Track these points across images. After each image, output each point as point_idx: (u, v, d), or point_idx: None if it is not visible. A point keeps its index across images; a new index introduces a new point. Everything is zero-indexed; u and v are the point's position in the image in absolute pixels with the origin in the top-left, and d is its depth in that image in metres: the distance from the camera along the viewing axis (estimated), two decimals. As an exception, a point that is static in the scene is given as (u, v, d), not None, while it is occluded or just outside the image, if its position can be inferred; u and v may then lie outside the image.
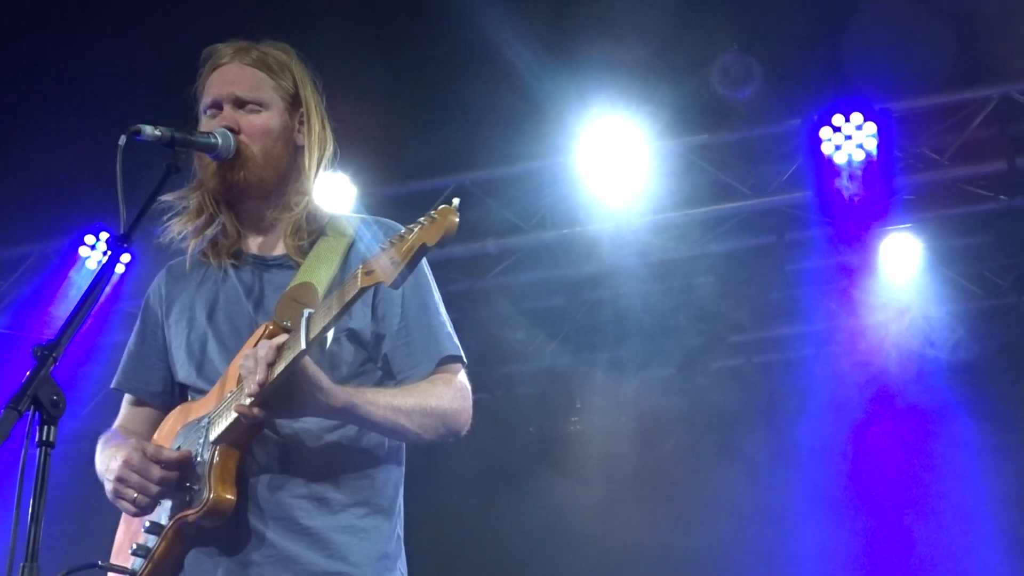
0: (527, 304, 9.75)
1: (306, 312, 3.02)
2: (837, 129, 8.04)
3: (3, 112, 7.94)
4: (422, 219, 2.87)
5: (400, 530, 3.42)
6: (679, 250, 9.05)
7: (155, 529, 3.23)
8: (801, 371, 9.82)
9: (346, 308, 2.98)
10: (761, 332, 10.13)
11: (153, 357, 3.57)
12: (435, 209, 2.87)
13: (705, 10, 7.82)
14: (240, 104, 3.44)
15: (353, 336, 3.35)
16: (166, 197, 3.41)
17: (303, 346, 2.97)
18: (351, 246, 3.44)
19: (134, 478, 3.17)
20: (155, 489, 3.18)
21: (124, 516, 3.45)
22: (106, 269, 3.03)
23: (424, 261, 3.41)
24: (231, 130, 3.38)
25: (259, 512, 3.23)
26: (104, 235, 9.02)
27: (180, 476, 3.21)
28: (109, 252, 3.08)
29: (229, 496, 3.16)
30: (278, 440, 3.26)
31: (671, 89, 8.10)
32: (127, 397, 3.64)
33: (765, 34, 7.97)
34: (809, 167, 8.25)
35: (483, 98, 7.76)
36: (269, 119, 3.45)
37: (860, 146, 8.04)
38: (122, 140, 3.12)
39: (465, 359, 3.48)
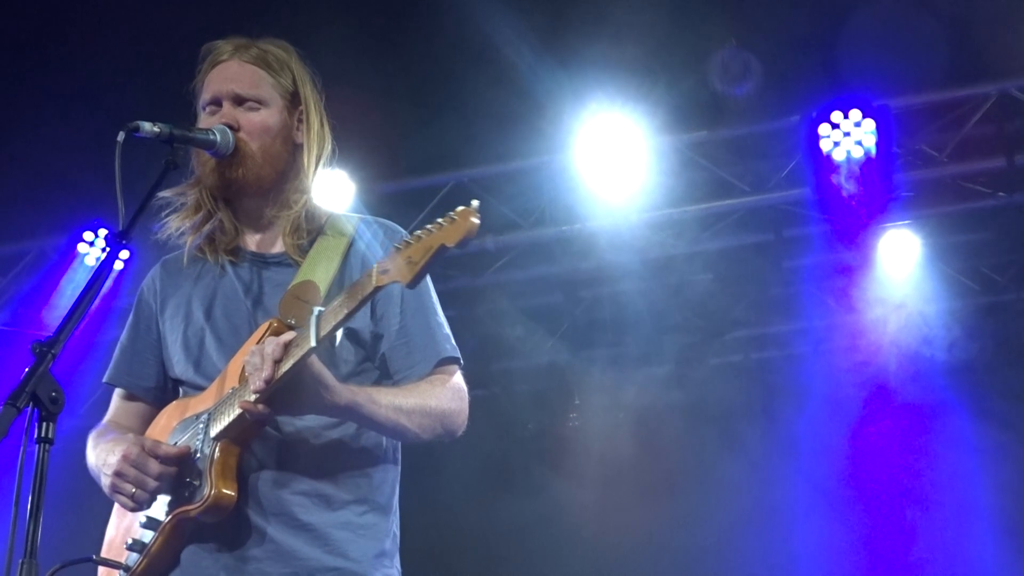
0: (525, 301, 9.75)
1: (316, 310, 3.03)
2: (836, 126, 8.04)
3: (2, 108, 7.94)
4: (440, 219, 2.89)
5: (396, 528, 3.44)
6: (677, 247, 9.05)
7: (152, 524, 3.23)
8: (799, 368, 9.82)
9: (359, 307, 2.99)
10: (759, 329, 10.14)
11: (146, 352, 3.56)
12: (454, 210, 2.88)
13: (703, 6, 7.83)
14: (239, 101, 3.44)
15: (352, 335, 3.36)
16: (164, 193, 3.41)
17: (313, 344, 2.98)
18: (351, 245, 3.46)
19: (132, 473, 3.17)
20: (153, 484, 3.18)
21: (115, 510, 3.45)
22: (105, 266, 3.04)
23: None
24: (230, 127, 3.38)
25: (258, 508, 3.23)
26: (103, 232, 9.01)
27: (178, 471, 3.21)
28: (108, 249, 3.08)
29: (230, 492, 3.16)
30: (277, 437, 3.27)
31: (669, 86, 8.10)
32: (118, 391, 3.63)
33: (763, 30, 7.96)
34: (807, 164, 8.25)
35: (481, 95, 7.76)
36: (268, 117, 3.45)
37: (859, 143, 8.04)
38: (120, 136, 3.13)
39: (462, 360, 3.49)
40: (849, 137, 8.03)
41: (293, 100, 3.51)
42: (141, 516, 3.25)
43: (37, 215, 8.98)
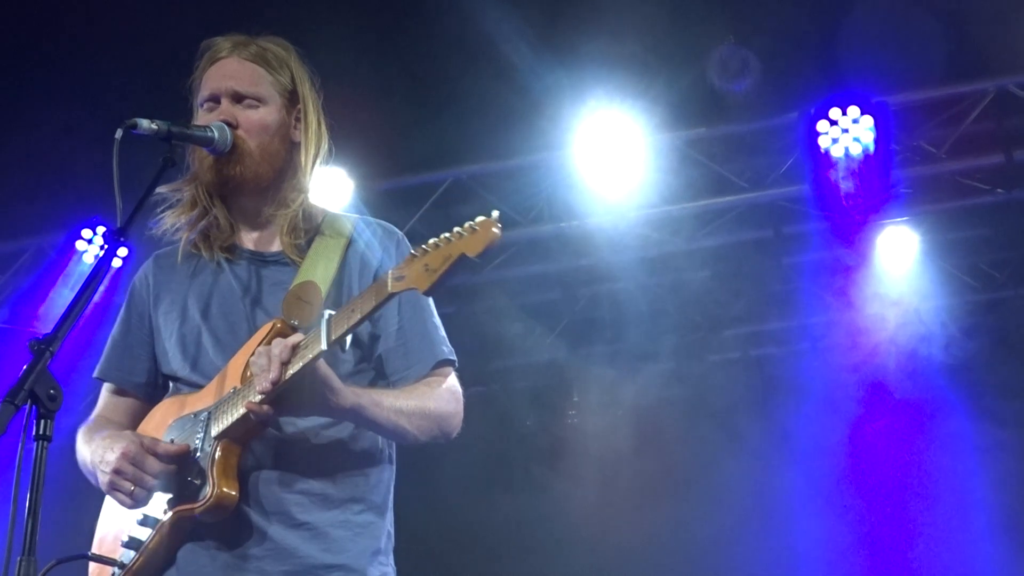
0: (524, 298, 9.75)
1: (326, 313, 3.04)
2: (834, 122, 8.05)
3: (0, 106, 7.93)
4: (459, 229, 2.89)
5: (391, 527, 3.46)
6: (676, 243, 9.06)
7: (149, 522, 3.22)
8: (798, 364, 9.82)
9: (372, 312, 3.00)
10: (758, 325, 10.15)
11: (138, 347, 3.55)
12: (474, 220, 2.88)
13: (702, 3, 7.83)
14: (238, 99, 3.44)
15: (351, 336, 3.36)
16: (160, 189, 3.40)
17: (324, 347, 2.99)
18: (348, 245, 3.46)
19: (131, 470, 3.17)
20: (152, 482, 3.18)
21: (106, 507, 3.44)
22: (103, 263, 3.03)
23: None
24: (228, 124, 3.38)
25: (257, 507, 3.23)
26: (101, 229, 9.01)
27: (177, 470, 3.21)
28: (106, 246, 3.08)
29: (232, 492, 3.16)
30: (276, 437, 3.27)
31: (668, 83, 8.10)
32: (108, 386, 3.62)
33: (762, 27, 7.96)
34: (806, 160, 8.25)
35: (480, 92, 7.76)
36: (266, 114, 3.45)
37: (857, 140, 8.04)
38: (118, 134, 3.12)
39: (457, 362, 3.50)
40: (847, 134, 8.03)
41: (291, 99, 3.51)
42: (138, 514, 3.24)
43: (35, 212, 8.98)
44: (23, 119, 7.97)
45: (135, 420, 3.52)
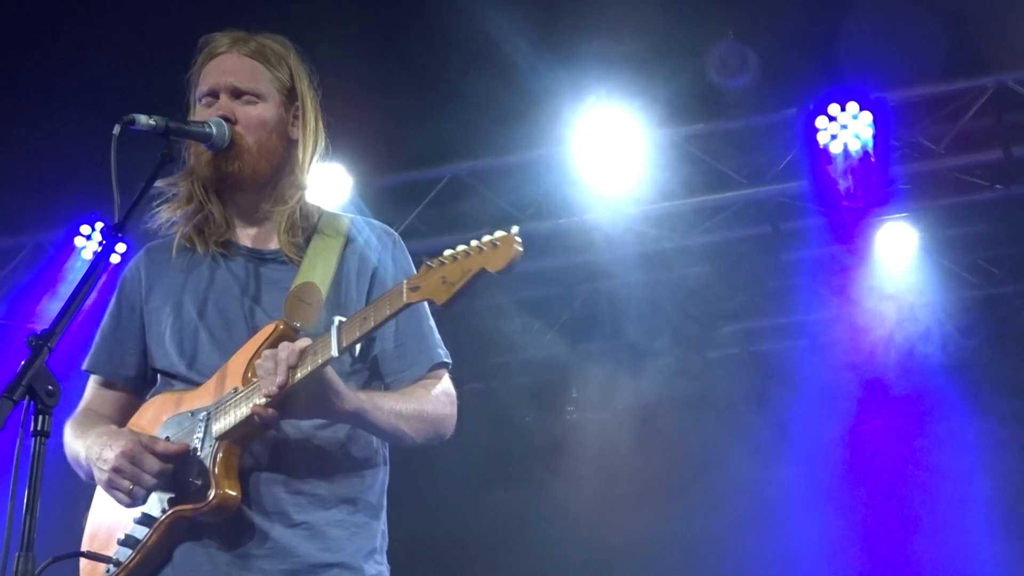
0: (522, 294, 9.75)
1: (336, 320, 3.04)
2: (833, 118, 8.04)
3: (-1, 102, 7.94)
4: (477, 243, 2.88)
5: (384, 527, 3.46)
6: (674, 240, 9.05)
7: (147, 520, 3.21)
8: (797, 360, 9.82)
9: (385, 322, 3.01)
10: (757, 321, 10.15)
11: (128, 340, 3.53)
12: (492, 235, 2.87)
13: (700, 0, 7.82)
14: (237, 94, 3.43)
15: None
16: (156, 184, 3.39)
17: (334, 354, 3.00)
18: (346, 245, 3.46)
19: (131, 469, 3.16)
20: (152, 481, 3.17)
21: (96, 503, 3.43)
22: (101, 258, 3.03)
23: (411, 263, 3.44)
24: (227, 120, 3.37)
25: (255, 506, 3.23)
26: (100, 225, 9.00)
27: (175, 469, 3.20)
28: (104, 242, 3.08)
29: (235, 493, 3.16)
30: (273, 437, 3.27)
31: (666, 78, 8.10)
32: (96, 378, 3.59)
33: (761, 23, 7.96)
34: (805, 156, 8.25)
35: (478, 88, 7.75)
36: (265, 111, 3.44)
37: (856, 135, 8.03)
38: (116, 130, 3.12)
39: (451, 364, 3.51)
40: (846, 130, 8.03)
41: (290, 95, 3.51)
42: (135, 512, 3.23)
43: (34, 209, 8.98)
44: (22, 115, 7.97)
45: (123, 413, 3.51)
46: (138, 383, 3.54)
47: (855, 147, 8.04)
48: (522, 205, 8.84)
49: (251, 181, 3.42)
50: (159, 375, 3.48)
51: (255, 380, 3.14)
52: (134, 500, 3.19)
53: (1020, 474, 9.06)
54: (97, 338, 3.57)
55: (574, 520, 9.87)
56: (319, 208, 3.55)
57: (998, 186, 8.42)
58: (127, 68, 7.39)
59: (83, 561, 3.36)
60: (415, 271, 3.47)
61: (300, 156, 3.48)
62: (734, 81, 8.15)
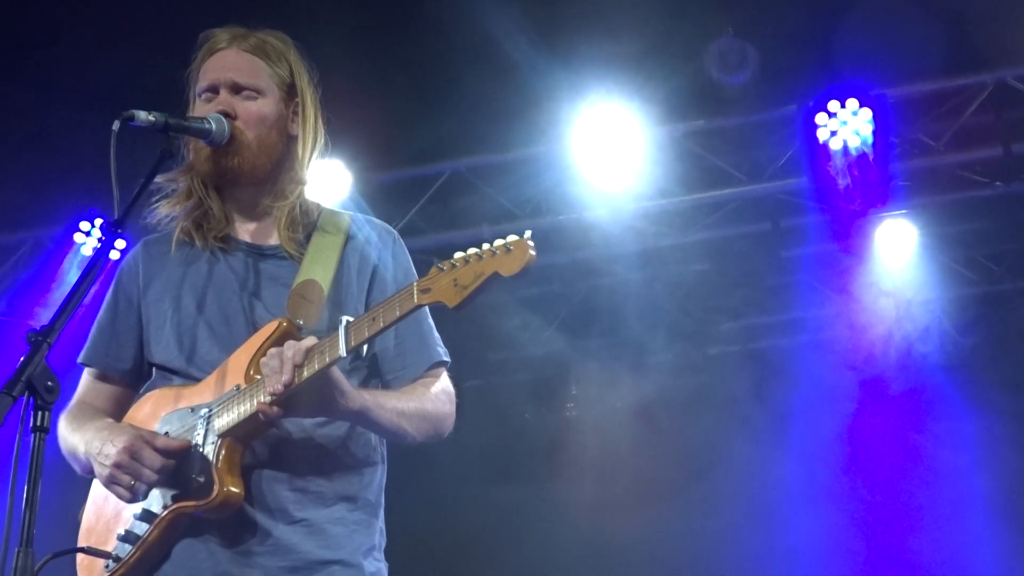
0: (522, 291, 9.74)
1: (344, 320, 3.04)
2: (833, 115, 8.04)
3: (-2, 99, 7.93)
4: (490, 247, 2.88)
5: (382, 524, 3.47)
6: (674, 236, 9.05)
7: (147, 517, 3.21)
8: (797, 357, 9.83)
9: (395, 323, 3.00)
10: (756, 318, 10.15)
11: (124, 333, 3.52)
12: (505, 239, 2.87)
13: (701, -4, 7.82)
14: (237, 90, 3.43)
15: None
16: (155, 179, 3.39)
17: (342, 354, 3.00)
18: (346, 242, 3.46)
19: (133, 464, 3.16)
20: (153, 478, 3.17)
21: (92, 498, 3.43)
22: (100, 254, 3.03)
23: (410, 261, 3.44)
24: (226, 115, 3.37)
25: (255, 503, 3.23)
26: (99, 221, 9.00)
27: (176, 465, 3.20)
28: (103, 238, 3.08)
29: (238, 490, 3.16)
30: (273, 435, 3.26)
31: (666, 75, 8.09)
32: (90, 371, 3.58)
33: (760, 19, 7.95)
34: (804, 153, 8.24)
35: (478, 85, 7.75)
36: (264, 106, 3.44)
37: (856, 132, 8.03)
38: (116, 125, 3.12)
39: (450, 362, 3.52)
40: (846, 126, 8.02)
41: (289, 91, 3.50)
42: (135, 508, 3.23)
43: (34, 205, 8.97)
44: (22, 112, 7.96)
45: (118, 406, 3.51)
46: (133, 377, 3.53)
47: (855, 144, 8.04)
48: (521, 202, 8.83)
49: (250, 177, 3.42)
50: (155, 369, 3.48)
51: (259, 378, 3.14)
52: (135, 496, 3.19)
53: (1019, 470, 9.07)
54: (93, 331, 3.56)
55: (573, 516, 9.87)
56: (319, 205, 3.55)
57: (998, 183, 8.42)
58: (127, 64, 7.38)
59: (80, 556, 3.35)
60: (414, 269, 3.48)
61: (300, 152, 3.48)
62: (734, 78, 8.15)
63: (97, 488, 3.37)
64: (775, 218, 9.04)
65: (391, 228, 3.60)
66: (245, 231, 3.51)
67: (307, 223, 3.48)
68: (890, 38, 7.77)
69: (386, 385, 3.44)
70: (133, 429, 3.26)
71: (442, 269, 2.92)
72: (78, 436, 3.35)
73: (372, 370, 3.46)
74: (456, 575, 9.97)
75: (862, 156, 8.05)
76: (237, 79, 3.43)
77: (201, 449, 3.19)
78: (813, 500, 9.37)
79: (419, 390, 3.38)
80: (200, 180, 3.46)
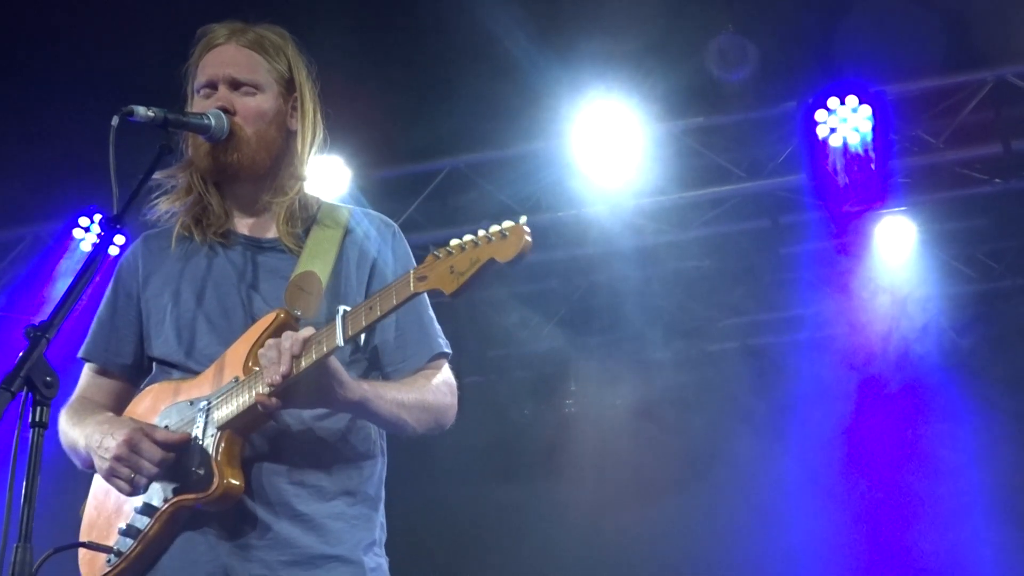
0: (521, 287, 9.75)
1: (341, 309, 3.03)
2: (832, 112, 8.04)
3: (-3, 94, 7.93)
4: (485, 233, 2.87)
5: (383, 519, 3.47)
6: (673, 233, 9.05)
7: (148, 510, 3.21)
8: (796, 353, 9.83)
9: (392, 311, 3.00)
10: (756, 315, 10.15)
11: (124, 328, 3.52)
12: (501, 225, 2.86)
13: (701, -7, 7.82)
14: (235, 85, 3.43)
15: None
16: (155, 176, 3.38)
17: (340, 343, 2.99)
18: (346, 235, 3.46)
19: (133, 457, 3.16)
20: (153, 471, 3.17)
21: (94, 493, 3.43)
22: (99, 250, 3.03)
23: (410, 254, 3.44)
24: (225, 111, 3.37)
25: (256, 497, 3.23)
26: (98, 217, 9.00)
27: (176, 458, 3.20)
28: (103, 234, 3.08)
29: (238, 482, 3.16)
30: (272, 428, 3.27)
31: (666, 72, 8.09)
32: (91, 366, 3.58)
33: (760, 16, 7.95)
34: (804, 150, 8.24)
35: (477, 81, 7.75)
36: (263, 102, 3.44)
37: (855, 129, 8.03)
38: (115, 121, 3.12)
39: (451, 354, 3.52)
40: (846, 123, 8.02)
41: (288, 86, 3.50)
42: (136, 501, 3.23)
43: (33, 200, 8.97)
44: (20, 107, 7.96)
45: (118, 401, 3.51)
46: (134, 371, 3.53)
47: (854, 141, 8.04)
48: (521, 198, 8.83)
49: (250, 172, 3.42)
50: (155, 363, 3.48)
51: (257, 369, 3.14)
52: (135, 489, 3.19)
53: (1018, 467, 9.07)
54: (93, 326, 3.57)
55: (572, 513, 9.87)
56: (318, 199, 3.55)
57: (997, 180, 8.42)
58: (125, 59, 7.38)
59: (82, 550, 3.35)
60: (414, 262, 3.48)
61: (299, 147, 3.48)
62: (733, 74, 8.15)
63: (98, 483, 3.38)
64: (774, 215, 9.04)
65: (390, 221, 3.60)
66: (244, 225, 3.51)
67: (306, 217, 3.47)
68: (890, 35, 7.76)
69: (387, 377, 3.43)
70: (133, 422, 3.26)
71: (438, 257, 2.91)
72: (78, 430, 3.36)
73: (373, 362, 3.45)
74: (455, 572, 9.98)
75: (861, 153, 8.05)
76: (235, 75, 3.43)
77: (200, 442, 3.19)
78: (813, 497, 9.37)
79: (420, 381, 3.38)
80: (199, 176, 3.46)
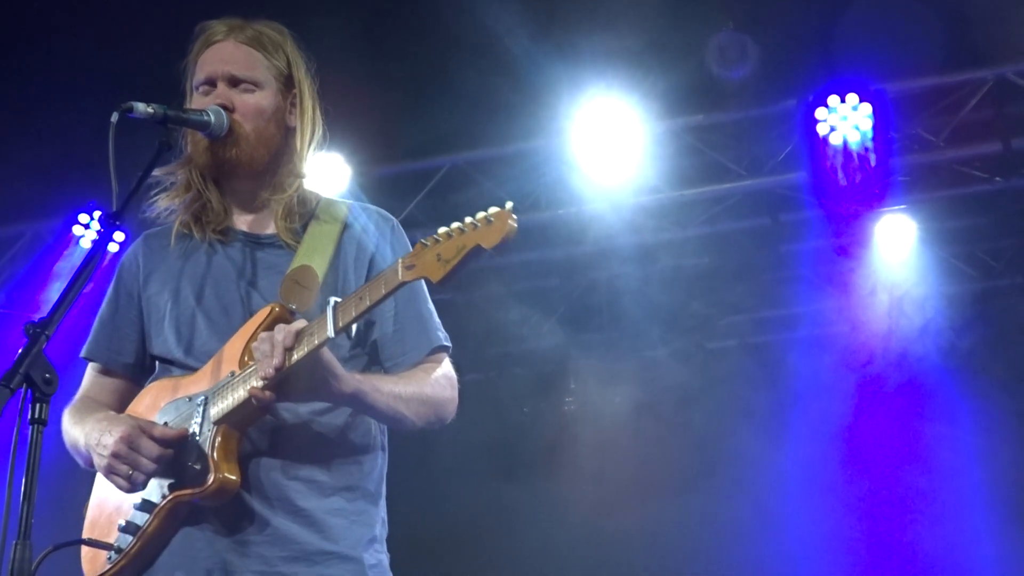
0: (521, 284, 9.75)
1: (332, 300, 3.03)
2: (832, 110, 8.04)
3: (-3, 91, 7.93)
4: (471, 220, 2.88)
5: (384, 514, 3.46)
6: (673, 231, 9.06)
7: (147, 507, 3.22)
8: (796, 352, 9.83)
9: (381, 301, 2.99)
10: (755, 313, 10.15)
11: (126, 327, 3.53)
12: (487, 211, 2.87)
13: (700, -10, 7.82)
14: (234, 83, 3.42)
15: None
16: (154, 172, 3.38)
17: (331, 335, 2.99)
18: (344, 230, 3.46)
19: (130, 454, 3.16)
20: (151, 467, 3.17)
21: (97, 490, 3.43)
22: (99, 246, 3.03)
23: (409, 247, 3.45)
24: (224, 108, 3.37)
25: (254, 492, 3.23)
26: (98, 214, 9.00)
27: (175, 454, 3.20)
28: (102, 230, 3.07)
29: (234, 477, 3.16)
30: (271, 423, 3.26)
31: (666, 69, 8.09)
32: (94, 365, 3.59)
33: (761, 14, 7.95)
34: (804, 148, 8.25)
35: (477, 78, 7.75)
36: (262, 98, 3.44)
37: (855, 127, 8.03)
38: (114, 117, 3.12)
39: (451, 348, 3.51)
40: (846, 121, 8.02)
41: (287, 83, 3.50)
42: (135, 498, 3.23)
43: (32, 197, 8.97)
44: (20, 104, 7.96)
45: (122, 400, 3.51)
46: (136, 370, 3.54)
47: (854, 139, 8.04)
48: (521, 196, 8.82)
49: (249, 169, 3.42)
50: (157, 362, 3.48)
51: (252, 363, 3.14)
52: (133, 485, 3.19)
53: (1018, 464, 9.07)
54: (95, 325, 3.57)
55: (572, 509, 9.88)
56: (317, 195, 3.56)
57: (997, 178, 8.42)
58: (125, 56, 7.38)
59: (85, 548, 3.36)
60: None
61: (298, 144, 3.48)
62: (733, 72, 8.14)
63: (101, 481, 3.38)
64: (774, 213, 9.04)
65: (389, 215, 3.59)
66: (243, 222, 3.51)
67: (304, 212, 3.48)
68: (890, 33, 7.77)
69: (387, 372, 3.42)
70: (131, 419, 3.26)
71: (426, 245, 2.91)
72: (78, 429, 3.36)
73: (372, 357, 3.45)
74: (454, 568, 9.98)
75: (861, 151, 8.05)
76: (234, 72, 3.42)
77: (197, 437, 3.19)
78: (813, 495, 9.37)
79: (418, 375, 3.37)
80: (199, 172, 3.46)
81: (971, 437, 9.16)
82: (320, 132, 3.55)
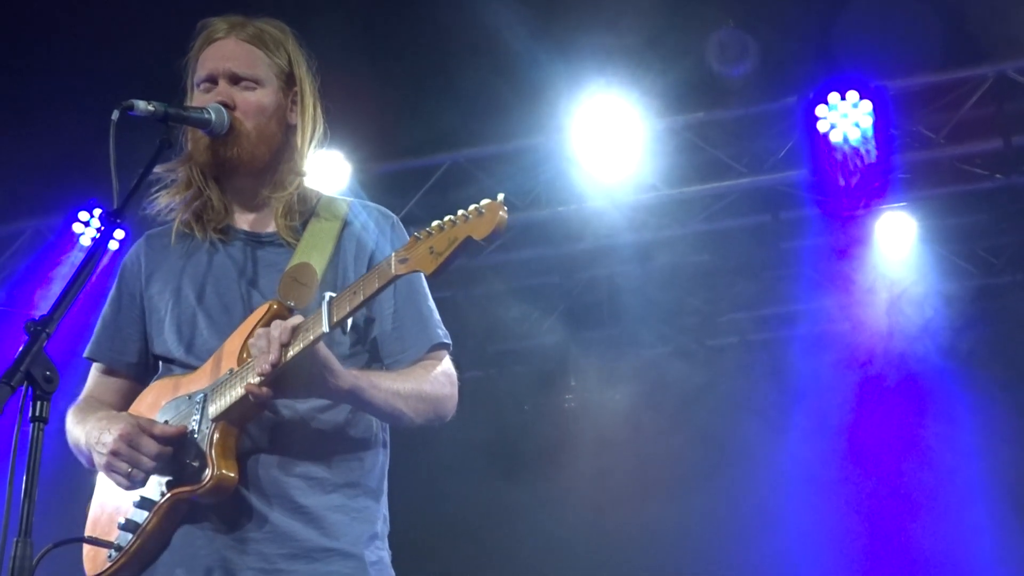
0: (521, 282, 9.75)
1: (327, 296, 3.03)
2: (833, 107, 8.03)
3: (-3, 89, 7.93)
4: (464, 211, 2.88)
5: (386, 511, 3.46)
6: (673, 228, 9.05)
7: (146, 504, 3.22)
8: (796, 349, 9.82)
9: (375, 295, 2.99)
10: (756, 310, 10.14)
11: (129, 327, 3.53)
12: (479, 203, 2.87)
13: (701, -13, 7.82)
14: (235, 80, 3.42)
15: None
16: (155, 170, 3.38)
17: (326, 330, 2.99)
18: (343, 228, 3.46)
19: (129, 452, 3.16)
20: (150, 464, 3.17)
21: (99, 489, 3.44)
22: (99, 244, 3.03)
23: None
24: (225, 106, 3.37)
25: (254, 490, 3.23)
26: (98, 211, 9.00)
27: (174, 452, 3.20)
28: (102, 228, 3.07)
29: (232, 474, 3.16)
30: (272, 420, 3.27)
31: (666, 67, 8.08)
32: (97, 366, 3.60)
33: (761, 11, 7.95)
34: (804, 145, 8.25)
35: (477, 75, 7.75)
36: (263, 96, 3.44)
37: (856, 124, 8.03)
38: (115, 115, 3.12)
39: (451, 345, 3.51)
40: (846, 118, 8.02)
41: (288, 81, 3.50)
42: (135, 496, 3.23)
43: (32, 195, 8.97)
44: (20, 102, 7.96)
45: (125, 400, 3.52)
46: (139, 370, 3.54)
47: (855, 136, 8.04)
48: (521, 193, 8.83)
49: (249, 166, 3.42)
50: (159, 361, 3.49)
51: (250, 360, 3.14)
52: (133, 483, 3.19)
53: (1018, 462, 9.07)
54: (98, 326, 3.58)
55: (572, 507, 9.88)
56: (318, 192, 3.56)
57: (998, 175, 8.42)
58: (126, 54, 7.38)
59: (86, 546, 3.36)
60: None
61: (299, 142, 3.48)
62: (734, 69, 8.15)
63: (103, 480, 3.39)
64: (775, 210, 9.05)
65: (389, 213, 3.59)
66: (244, 220, 3.51)
67: (304, 210, 3.48)
68: (890, 30, 7.77)
69: (387, 369, 3.42)
70: (130, 418, 3.26)
71: (419, 238, 2.92)
72: (80, 428, 3.37)
73: (373, 355, 3.45)
74: (454, 566, 9.97)
75: (862, 149, 8.05)
76: (235, 69, 3.42)
77: (196, 435, 3.20)
78: (813, 492, 9.37)
79: (417, 372, 3.37)
80: (199, 170, 3.46)
81: (971, 434, 9.16)
82: (321, 130, 3.55)
